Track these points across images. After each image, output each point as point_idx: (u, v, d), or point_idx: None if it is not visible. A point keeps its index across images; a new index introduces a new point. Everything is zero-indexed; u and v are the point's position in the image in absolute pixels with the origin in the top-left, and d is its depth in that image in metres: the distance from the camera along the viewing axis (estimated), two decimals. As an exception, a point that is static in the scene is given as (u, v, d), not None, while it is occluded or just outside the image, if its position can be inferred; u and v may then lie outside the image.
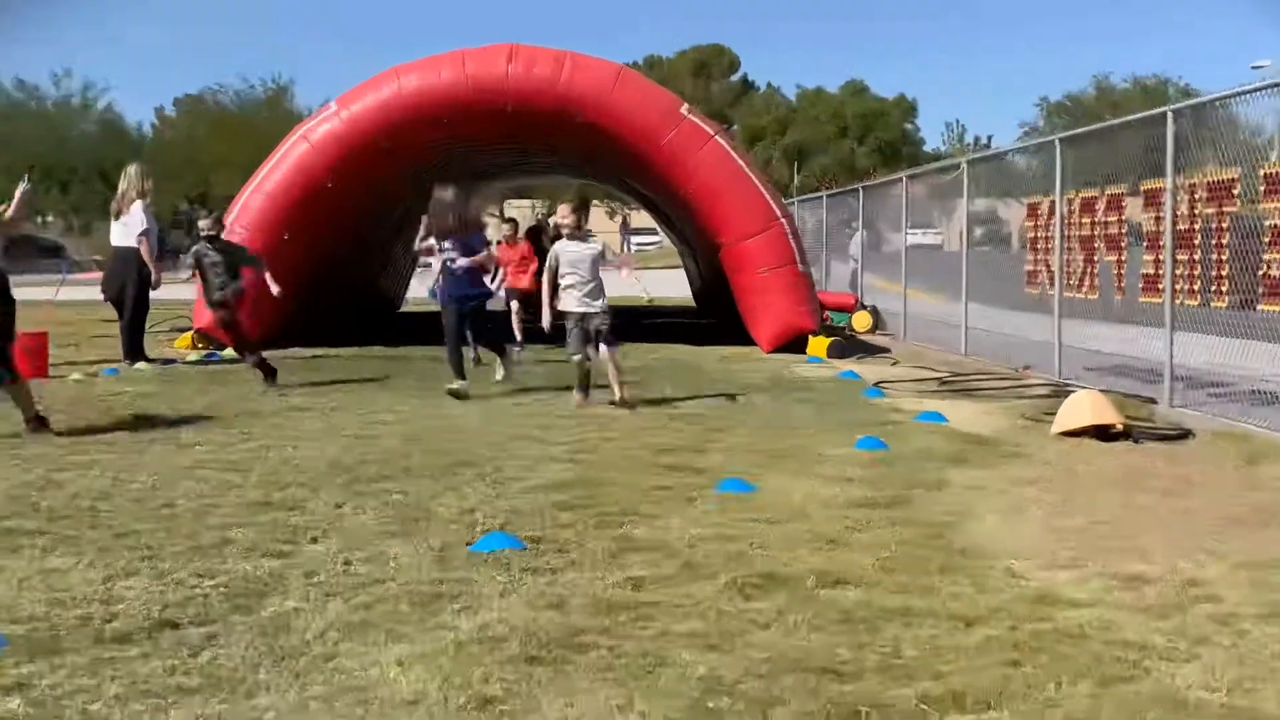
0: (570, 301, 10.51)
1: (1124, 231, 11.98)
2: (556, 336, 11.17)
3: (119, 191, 14.54)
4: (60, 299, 22.34)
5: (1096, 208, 12.42)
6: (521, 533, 6.03)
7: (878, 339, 19.41)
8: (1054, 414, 9.56)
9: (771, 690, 4.01)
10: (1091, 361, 12.79)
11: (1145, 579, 5.31)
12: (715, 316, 22.43)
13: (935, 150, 78.64)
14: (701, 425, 9.69)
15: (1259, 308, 9.36)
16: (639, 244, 71.91)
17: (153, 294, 14.83)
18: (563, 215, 10.69)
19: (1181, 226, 10.48)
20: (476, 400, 11.16)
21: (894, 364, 15.45)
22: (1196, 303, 10.35)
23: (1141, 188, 11.48)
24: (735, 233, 16.05)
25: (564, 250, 10.57)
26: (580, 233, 10.55)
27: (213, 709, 3.88)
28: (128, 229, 14.36)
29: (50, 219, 62.71)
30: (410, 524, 6.27)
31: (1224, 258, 9.89)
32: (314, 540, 5.95)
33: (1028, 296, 14.43)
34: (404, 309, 26.25)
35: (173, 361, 14.69)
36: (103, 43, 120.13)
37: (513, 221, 18.09)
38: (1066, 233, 13.06)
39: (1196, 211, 10.30)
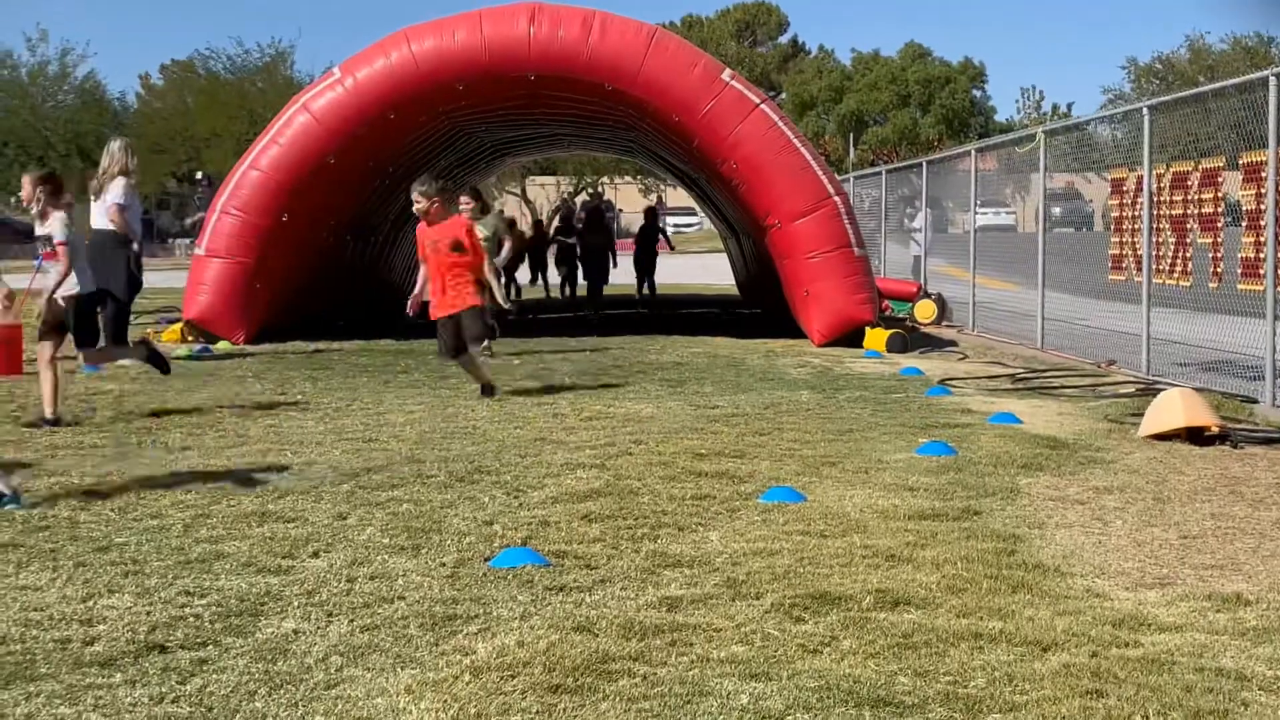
0: None
1: (1220, 210, 11.89)
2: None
3: (100, 168, 14.64)
4: (37, 287, 22.48)
5: (1189, 183, 12.33)
6: (544, 547, 6.05)
7: (943, 331, 19.35)
8: (1141, 415, 9.52)
9: (823, 723, 4.02)
10: (1183, 356, 12.71)
11: (1243, 599, 5.28)
12: (761, 306, 22.42)
13: (1008, 120, 78.34)
14: (744, 427, 9.69)
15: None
16: (676, 225, 71.97)
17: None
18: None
19: (1286, 204, 10.39)
20: (494, 400, 11.20)
21: (961, 359, 15.42)
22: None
23: (1240, 160, 11.39)
24: (783, 213, 16.03)
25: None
26: (57, 200, 7.78)
27: (203, 741, 3.92)
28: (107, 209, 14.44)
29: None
30: (421, 537, 6.30)
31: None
32: (315, 554, 5.98)
33: (1112, 283, 14.35)
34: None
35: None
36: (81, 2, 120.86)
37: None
38: (1155, 212, 12.98)
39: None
